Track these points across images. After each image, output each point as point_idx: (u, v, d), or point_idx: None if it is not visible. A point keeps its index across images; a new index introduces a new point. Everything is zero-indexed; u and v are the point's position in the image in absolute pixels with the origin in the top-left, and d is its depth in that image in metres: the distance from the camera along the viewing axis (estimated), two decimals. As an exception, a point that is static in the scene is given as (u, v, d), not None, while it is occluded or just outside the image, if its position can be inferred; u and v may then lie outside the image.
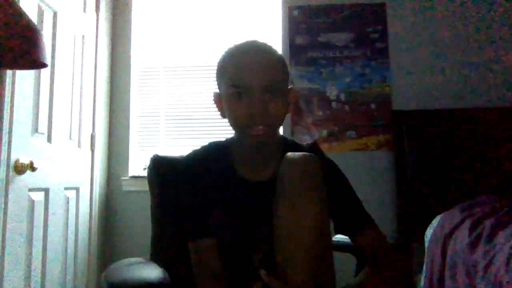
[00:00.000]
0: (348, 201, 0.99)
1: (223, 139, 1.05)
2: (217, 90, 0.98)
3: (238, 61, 0.90)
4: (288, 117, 2.37)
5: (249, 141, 0.92)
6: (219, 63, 0.96)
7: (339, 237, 1.12)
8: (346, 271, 1.15)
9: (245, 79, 0.88)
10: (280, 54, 0.96)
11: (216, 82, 0.98)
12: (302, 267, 0.79)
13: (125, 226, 2.34)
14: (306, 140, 2.34)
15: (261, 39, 0.96)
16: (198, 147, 1.04)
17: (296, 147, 1.00)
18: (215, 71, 0.97)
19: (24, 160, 1.56)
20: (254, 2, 2.55)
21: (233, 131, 0.97)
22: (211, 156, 1.00)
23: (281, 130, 2.35)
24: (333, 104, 2.38)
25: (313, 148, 1.01)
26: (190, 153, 1.03)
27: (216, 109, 0.99)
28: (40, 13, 1.72)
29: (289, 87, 0.96)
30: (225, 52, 0.96)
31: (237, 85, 0.88)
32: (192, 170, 0.99)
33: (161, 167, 1.17)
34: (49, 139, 1.79)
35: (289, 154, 0.88)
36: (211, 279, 0.91)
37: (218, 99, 0.98)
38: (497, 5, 2.39)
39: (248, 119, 0.88)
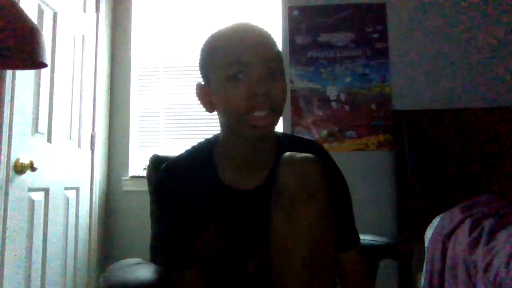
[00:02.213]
0: (342, 215, 0.90)
1: (210, 136, 0.94)
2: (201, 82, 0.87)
3: (231, 39, 0.78)
4: (288, 117, 2.37)
5: (249, 134, 0.78)
6: (204, 49, 0.83)
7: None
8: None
9: (243, 54, 0.75)
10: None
11: (200, 73, 0.86)
12: (298, 280, 0.73)
13: (125, 226, 2.35)
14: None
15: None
16: (183, 152, 0.94)
17: (297, 144, 0.91)
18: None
19: (24, 160, 1.56)
20: (254, 2, 2.55)
21: (220, 128, 0.87)
22: (193, 165, 0.89)
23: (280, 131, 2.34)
24: (333, 104, 2.38)
25: (316, 148, 0.94)
26: (169, 163, 0.91)
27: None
28: (40, 13, 1.72)
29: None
30: (209, 38, 0.83)
31: (233, 62, 0.75)
32: (172, 185, 0.88)
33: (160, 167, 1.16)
34: (49, 139, 1.79)
35: (286, 154, 0.78)
36: None
37: (204, 92, 0.84)
38: (497, 6, 2.39)
39: (249, 103, 0.75)
